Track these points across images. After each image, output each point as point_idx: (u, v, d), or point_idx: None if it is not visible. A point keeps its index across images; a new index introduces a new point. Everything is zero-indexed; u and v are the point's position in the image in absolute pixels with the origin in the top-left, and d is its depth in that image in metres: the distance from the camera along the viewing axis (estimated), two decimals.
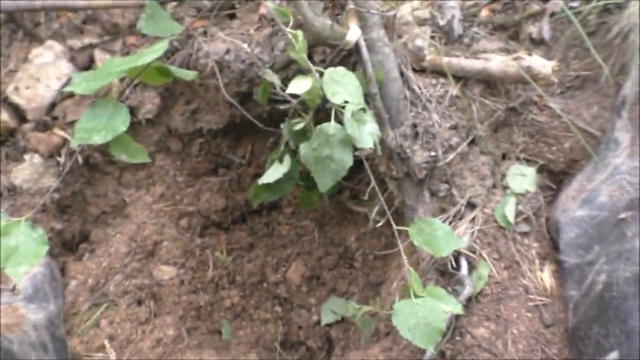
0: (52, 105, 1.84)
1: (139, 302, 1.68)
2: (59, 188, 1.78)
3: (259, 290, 2.04)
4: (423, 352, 1.54)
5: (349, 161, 1.26)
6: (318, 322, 2.00)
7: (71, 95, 1.86)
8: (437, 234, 1.30)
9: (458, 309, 1.24)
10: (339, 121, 1.27)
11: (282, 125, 1.65)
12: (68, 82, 1.75)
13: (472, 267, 1.49)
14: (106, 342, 1.58)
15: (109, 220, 1.96)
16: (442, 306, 1.20)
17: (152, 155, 2.01)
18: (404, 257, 1.30)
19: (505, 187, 1.61)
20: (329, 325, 1.99)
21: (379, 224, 1.66)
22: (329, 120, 1.32)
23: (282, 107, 1.66)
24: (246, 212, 2.12)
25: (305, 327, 2.01)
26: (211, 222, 2.05)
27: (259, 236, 2.11)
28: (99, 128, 1.19)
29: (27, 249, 1.23)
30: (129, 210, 1.95)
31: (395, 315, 1.19)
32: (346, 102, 1.24)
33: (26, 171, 1.71)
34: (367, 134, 1.23)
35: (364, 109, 1.26)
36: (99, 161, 1.88)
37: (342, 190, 2.09)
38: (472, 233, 1.54)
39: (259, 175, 2.21)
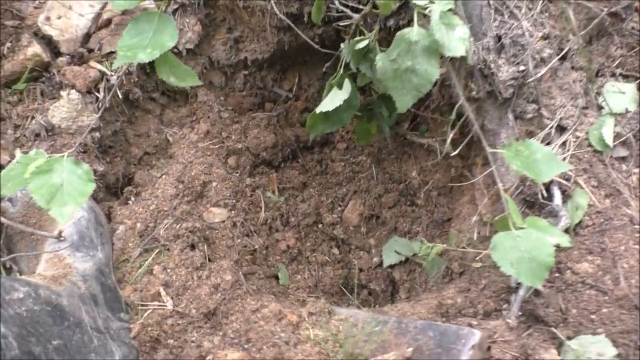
0: (87, 37, 1.68)
1: (192, 247, 1.56)
2: (99, 127, 1.65)
3: (315, 232, 1.91)
4: (507, 291, 1.40)
5: (434, 73, 1.08)
6: (379, 264, 1.87)
7: (107, 24, 1.69)
8: (537, 157, 1.12)
9: (565, 241, 1.07)
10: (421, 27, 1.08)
11: (341, 45, 1.47)
12: (104, 8, 1.60)
13: (566, 197, 1.32)
14: (161, 289, 1.46)
15: (152, 161, 1.83)
16: (548, 238, 1.03)
17: (194, 91, 1.86)
18: (500, 183, 1.13)
19: (600, 107, 1.41)
20: (391, 267, 1.85)
21: (453, 154, 1.49)
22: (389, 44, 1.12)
23: (341, 23, 1.48)
24: (297, 149, 1.97)
25: (366, 269, 1.87)
26: (261, 160, 1.90)
27: (312, 174, 1.96)
28: (144, 44, 1.03)
29: (72, 187, 1.10)
30: (173, 150, 1.82)
31: (495, 249, 1.03)
32: (431, 1, 1.04)
33: (64, 108, 1.57)
34: (457, 40, 1.03)
35: (452, 10, 1.06)
36: (139, 97, 1.73)
37: (401, 122, 1.91)
38: (564, 159, 1.36)
39: (308, 109, 2.04)
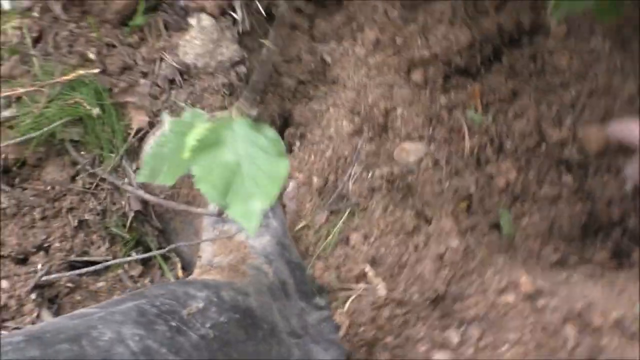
0: None
1: (395, 202, 1.14)
2: (243, 58, 1.23)
3: (538, 157, 1.39)
4: None
5: None
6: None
7: None
8: None
9: None
10: None
11: None
12: None
13: None
14: (367, 268, 1.07)
15: (310, 91, 1.40)
16: None
17: None
18: None
19: None
20: None
21: None
22: None
23: None
24: (500, 45, 1.41)
25: (616, 199, 1.35)
26: (454, 69, 1.39)
27: (524, 77, 1.41)
28: None
29: (254, 168, 0.69)
30: (335, 73, 1.37)
31: None
32: None
33: (196, 41, 1.16)
34: None
35: None
36: (281, 9, 1.28)
37: None
38: None
39: None
